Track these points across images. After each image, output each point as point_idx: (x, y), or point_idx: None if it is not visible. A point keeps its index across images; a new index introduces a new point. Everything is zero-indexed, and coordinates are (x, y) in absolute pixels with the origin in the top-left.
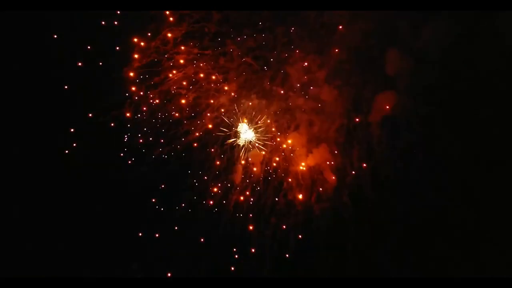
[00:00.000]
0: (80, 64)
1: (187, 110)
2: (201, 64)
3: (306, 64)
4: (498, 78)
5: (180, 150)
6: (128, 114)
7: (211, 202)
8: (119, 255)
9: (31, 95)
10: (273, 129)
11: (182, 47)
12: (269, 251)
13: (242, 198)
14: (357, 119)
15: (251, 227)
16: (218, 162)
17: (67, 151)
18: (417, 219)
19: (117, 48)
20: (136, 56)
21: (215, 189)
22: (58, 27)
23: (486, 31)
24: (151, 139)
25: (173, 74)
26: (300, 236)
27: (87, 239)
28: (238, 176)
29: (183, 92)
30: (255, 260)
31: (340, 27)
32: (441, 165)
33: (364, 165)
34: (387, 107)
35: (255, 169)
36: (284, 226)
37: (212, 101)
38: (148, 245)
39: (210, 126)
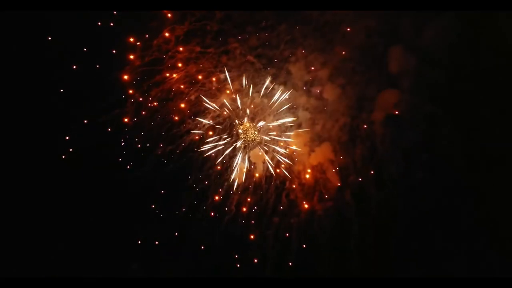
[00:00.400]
0: (83, 64)
1: (188, 110)
2: (203, 63)
3: (312, 68)
4: (502, 77)
5: (181, 149)
6: (129, 114)
7: (212, 213)
8: (119, 255)
9: (29, 97)
10: (274, 132)
11: (184, 46)
12: (271, 251)
13: (243, 199)
14: (361, 118)
15: (252, 236)
16: (219, 162)
17: (68, 152)
18: (420, 218)
19: (120, 46)
20: (138, 54)
21: (217, 195)
22: (56, 28)
23: (490, 30)
24: (152, 138)
25: (174, 72)
26: (302, 236)
27: (87, 239)
28: (240, 176)
29: (185, 91)
30: (258, 261)
31: (344, 25)
32: (444, 164)
33: (372, 172)
34: (391, 106)
35: (257, 174)
36: (287, 226)
37: (214, 100)
38: (148, 246)
39: (211, 124)
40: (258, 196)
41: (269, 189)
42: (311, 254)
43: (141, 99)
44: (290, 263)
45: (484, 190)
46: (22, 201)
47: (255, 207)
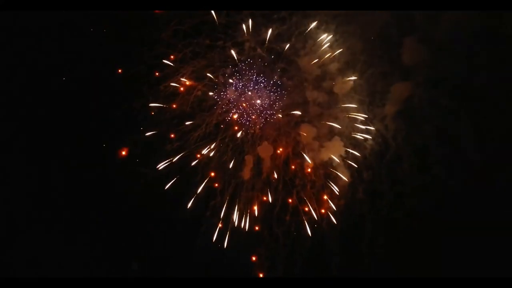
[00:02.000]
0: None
1: (197, 105)
2: (211, 57)
3: (323, 61)
4: None
5: (188, 145)
6: (137, 109)
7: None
8: (119, 255)
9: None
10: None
11: (192, 39)
12: (282, 251)
13: (251, 196)
14: (372, 112)
15: (253, 258)
16: (226, 158)
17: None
18: (434, 216)
19: (126, 42)
20: (145, 49)
21: (225, 192)
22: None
23: (507, 23)
24: (157, 136)
25: (182, 67)
26: (313, 235)
27: (87, 239)
28: (247, 172)
29: (193, 86)
30: (268, 260)
31: (356, 17)
32: (460, 161)
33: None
34: (404, 99)
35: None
36: (297, 224)
37: (222, 95)
38: (148, 246)
39: (219, 120)
40: (266, 193)
41: (278, 185)
42: (321, 253)
43: (150, 87)
44: (302, 262)
45: (502, 187)
46: (22, 202)
47: (264, 205)
